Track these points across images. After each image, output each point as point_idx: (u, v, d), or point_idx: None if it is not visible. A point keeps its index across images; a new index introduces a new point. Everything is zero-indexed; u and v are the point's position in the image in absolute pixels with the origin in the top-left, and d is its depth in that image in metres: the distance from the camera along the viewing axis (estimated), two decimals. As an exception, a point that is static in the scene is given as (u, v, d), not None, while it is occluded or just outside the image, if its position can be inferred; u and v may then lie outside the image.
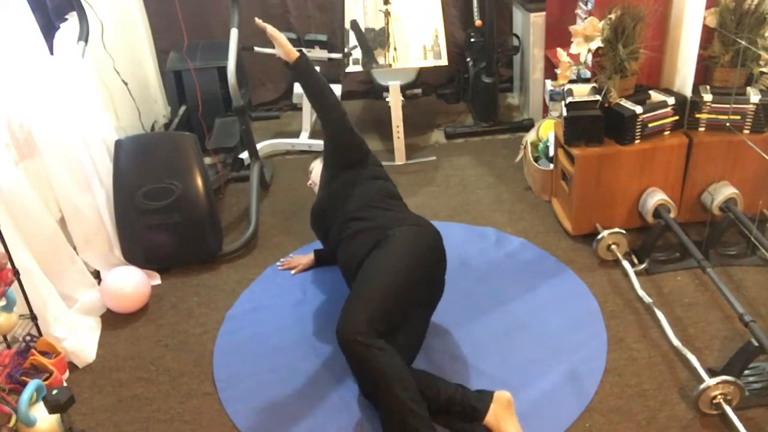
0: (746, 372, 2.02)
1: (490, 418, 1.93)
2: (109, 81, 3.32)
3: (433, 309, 2.29)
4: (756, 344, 1.94)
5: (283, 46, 2.38)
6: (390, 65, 3.41)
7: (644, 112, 2.57)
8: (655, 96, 2.65)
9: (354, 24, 3.37)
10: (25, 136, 2.57)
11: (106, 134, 2.89)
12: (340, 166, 2.42)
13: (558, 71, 2.74)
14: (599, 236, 2.65)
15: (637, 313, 2.41)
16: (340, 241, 2.32)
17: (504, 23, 4.14)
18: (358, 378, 2.13)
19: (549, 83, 3.28)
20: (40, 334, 2.29)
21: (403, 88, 3.58)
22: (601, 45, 2.55)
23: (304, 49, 3.52)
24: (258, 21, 2.41)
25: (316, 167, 2.67)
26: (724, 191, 2.64)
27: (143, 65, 4.04)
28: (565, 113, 2.64)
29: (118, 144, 2.89)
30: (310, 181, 2.73)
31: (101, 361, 2.44)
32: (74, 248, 2.72)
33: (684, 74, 2.63)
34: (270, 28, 2.39)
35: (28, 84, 2.52)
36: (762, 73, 2.60)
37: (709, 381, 1.93)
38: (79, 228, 2.75)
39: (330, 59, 3.58)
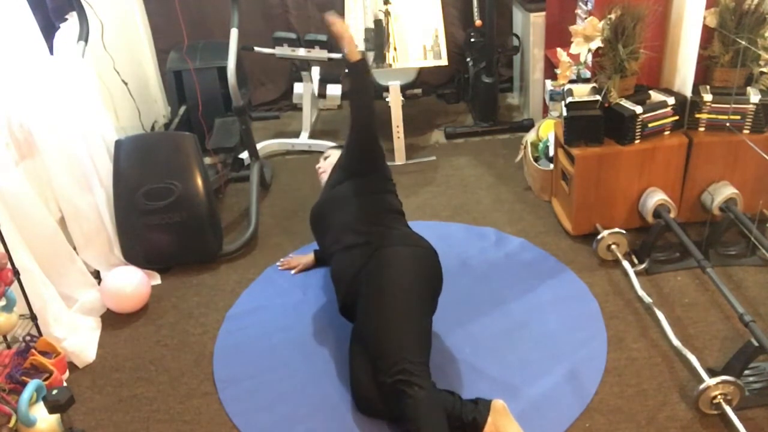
0: (746, 372, 2.02)
1: (489, 428, 1.92)
2: (109, 81, 3.32)
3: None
4: (756, 344, 1.94)
5: (349, 44, 2.31)
6: (390, 65, 3.41)
7: (644, 112, 2.57)
8: (655, 96, 2.65)
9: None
10: (25, 136, 2.57)
11: (106, 134, 2.89)
12: (353, 171, 2.41)
13: (558, 71, 2.74)
14: (599, 236, 2.65)
15: (637, 313, 2.41)
16: (332, 252, 2.33)
17: (504, 23, 4.14)
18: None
19: (549, 83, 3.28)
20: (40, 334, 2.29)
21: (403, 88, 3.58)
22: (601, 45, 2.55)
23: (307, 50, 3.55)
24: (329, 17, 2.34)
25: (332, 157, 2.64)
26: (724, 191, 2.64)
27: (143, 65, 4.04)
28: (565, 113, 2.64)
29: (118, 144, 2.89)
30: (320, 166, 2.68)
31: (101, 361, 2.44)
32: (74, 248, 2.72)
33: (684, 74, 2.63)
34: (339, 26, 2.32)
35: (28, 84, 2.52)
36: (762, 73, 2.60)
37: (709, 381, 1.94)
38: (79, 228, 2.75)
39: (330, 59, 3.58)
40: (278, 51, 3.60)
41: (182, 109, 3.69)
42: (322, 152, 3.76)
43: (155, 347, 2.48)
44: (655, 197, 2.65)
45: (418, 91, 3.94)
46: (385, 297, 2.08)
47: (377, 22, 3.38)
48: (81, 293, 2.63)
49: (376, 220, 2.30)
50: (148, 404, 2.23)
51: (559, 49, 2.73)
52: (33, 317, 2.23)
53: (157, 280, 2.83)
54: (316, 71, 3.92)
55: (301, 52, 3.59)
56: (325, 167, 2.64)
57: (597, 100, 2.60)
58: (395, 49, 3.42)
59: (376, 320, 2.06)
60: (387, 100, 3.54)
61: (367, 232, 2.25)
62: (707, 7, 2.50)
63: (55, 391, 1.91)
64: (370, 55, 3.42)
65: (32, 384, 1.95)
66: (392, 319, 2.03)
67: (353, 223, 2.30)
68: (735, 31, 2.50)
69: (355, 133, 2.40)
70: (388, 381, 1.92)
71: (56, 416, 1.98)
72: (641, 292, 2.44)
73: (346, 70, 2.36)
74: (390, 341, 1.98)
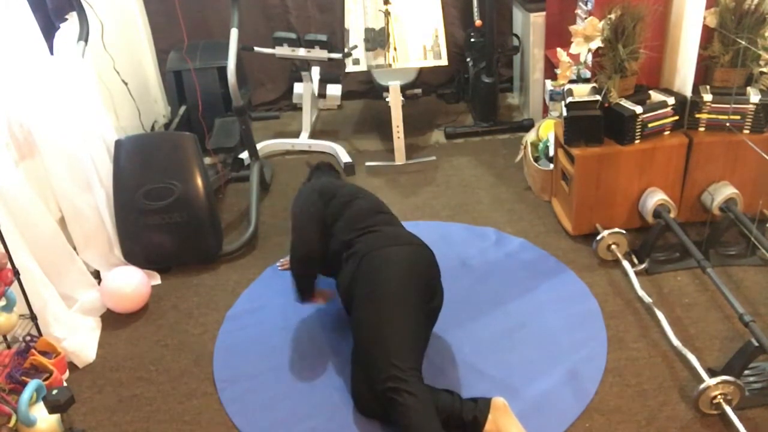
0: (746, 372, 2.02)
1: (490, 426, 1.92)
2: (109, 81, 3.32)
3: (434, 319, 2.26)
4: (756, 344, 1.94)
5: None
6: (390, 65, 3.41)
7: (644, 112, 2.57)
8: (655, 96, 2.65)
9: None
10: (25, 136, 2.57)
11: (106, 134, 2.89)
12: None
13: (558, 71, 2.74)
14: (599, 236, 2.65)
15: (637, 313, 2.41)
16: (336, 272, 2.35)
17: (504, 23, 4.14)
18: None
19: (549, 83, 3.28)
20: (40, 334, 2.29)
21: (403, 88, 3.58)
22: (601, 45, 2.55)
23: (307, 50, 3.55)
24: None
25: None
26: (724, 191, 2.64)
27: (143, 65, 4.04)
28: (565, 113, 2.64)
29: (118, 144, 2.89)
30: None
31: (101, 361, 2.44)
32: (74, 248, 2.72)
33: (684, 74, 2.63)
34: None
35: (28, 84, 2.52)
36: (762, 73, 2.60)
37: (709, 381, 1.94)
38: (79, 228, 2.75)
39: (330, 59, 3.58)
40: (278, 51, 3.60)
41: (182, 109, 3.69)
42: (321, 152, 3.79)
43: (155, 347, 2.48)
44: (655, 197, 2.65)
45: (418, 91, 3.94)
46: (370, 304, 2.07)
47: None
48: (81, 293, 2.63)
49: (360, 230, 2.27)
50: (148, 404, 2.23)
51: (559, 49, 2.73)
52: (33, 317, 2.23)
53: (157, 280, 2.83)
54: (316, 71, 3.92)
55: (301, 52, 3.59)
56: None
57: (597, 100, 2.60)
58: (395, 49, 3.42)
59: (363, 329, 2.07)
60: (387, 100, 3.54)
61: (354, 242, 2.25)
62: (707, 7, 2.50)
63: (55, 391, 1.91)
64: (370, 54, 3.43)
65: (32, 384, 1.95)
66: (377, 327, 2.02)
67: (343, 242, 2.28)
68: (735, 31, 2.50)
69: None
70: (378, 389, 1.93)
71: (56, 416, 1.98)
72: (641, 292, 2.44)
73: None
74: (377, 349, 1.98)
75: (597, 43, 2.54)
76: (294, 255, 2.35)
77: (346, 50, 3.44)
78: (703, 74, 2.66)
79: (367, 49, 3.43)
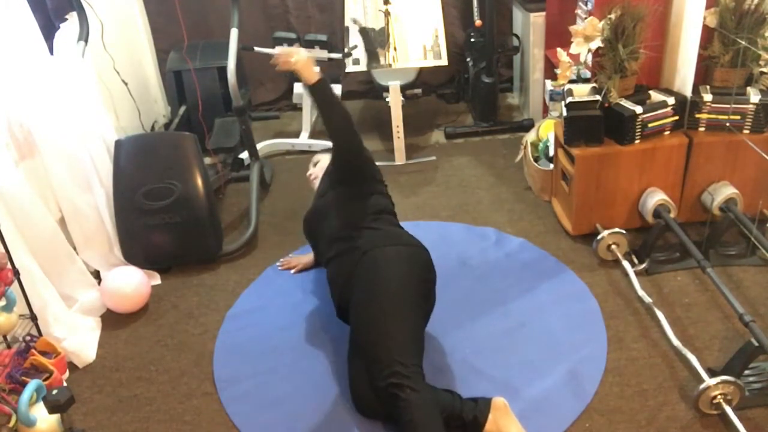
0: (746, 372, 2.02)
1: (490, 426, 1.92)
2: (109, 81, 3.32)
3: (428, 320, 2.26)
4: (756, 344, 1.94)
5: (303, 71, 2.26)
6: (390, 65, 3.41)
7: (644, 112, 2.57)
8: (655, 96, 2.65)
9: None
10: (25, 136, 2.57)
11: (106, 134, 2.89)
12: (340, 180, 2.39)
13: (558, 71, 2.74)
14: (599, 236, 2.65)
15: (637, 313, 2.41)
16: (327, 261, 2.35)
17: (504, 23, 4.14)
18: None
19: (549, 83, 3.28)
20: (40, 334, 2.29)
21: (403, 88, 3.58)
22: (601, 45, 2.55)
23: (307, 50, 3.55)
24: (275, 59, 2.32)
25: (323, 161, 2.62)
26: (724, 191, 2.64)
27: (143, 65, 4.04)
28: (565, 113, 2.64)
29: (118, 144, 2.89)
30: (311, 173, 2.66)
31: (101, 361, 2.44)
32: (74, 248, 2.72)
33: (684, 74, 2.63)
34: (284, 61, 2.30)
35: (28, 84, 2.52)
36: (762, 73, 2.60)
37: (709, 381, 1.94)
38: (79, 228, 2.75)
39: (330, 59, 3.58)
40: (278, 51, 3.60)
41: (182, 109, 3.69)
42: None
43: (155, 347, 2.48)
44: (655, 197, 2.65)
45: (418, 91, 3.94)
46: (373, 302, 2.07)
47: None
48: (81, 293, 2.62)
49: (364, 224, 2.29)
50: (148, 404, 2.23)
51: (559, 49, 2.73)
52: (33, 317, 2.23)
53: (157, 280, 2.83)
54: (315, 71, 3.92)
55: (301, 52, 3.59)
56: (317, 173, 2.62)
57: (597, 100, 2.60)
58: (395, 49, 3.42)
59: (366, 325, 2.07)
60: (387, 100, 3.54)
61: (355, 237, 2.25)
62: (707, 7, 2.50)
63: (55, 391, 1.91)
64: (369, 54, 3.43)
65: (32, 384, 1.95)
66: (381, 324, 2.02)
67: (341, 229, 2.30)
68: (735, 31, 2.50)
69: (338, 150, 2.37)
70: (381, 385, 1.93)
71: (56, 416, 1.98)
72: (641, 292, 2.44)
73: (309, 93, 2.33)
74: (380, 346, 1.98)
75: (597, 43, 2.54)
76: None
77: (346, 50, 3.44)
78: (703, 74, 2.66)
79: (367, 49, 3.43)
